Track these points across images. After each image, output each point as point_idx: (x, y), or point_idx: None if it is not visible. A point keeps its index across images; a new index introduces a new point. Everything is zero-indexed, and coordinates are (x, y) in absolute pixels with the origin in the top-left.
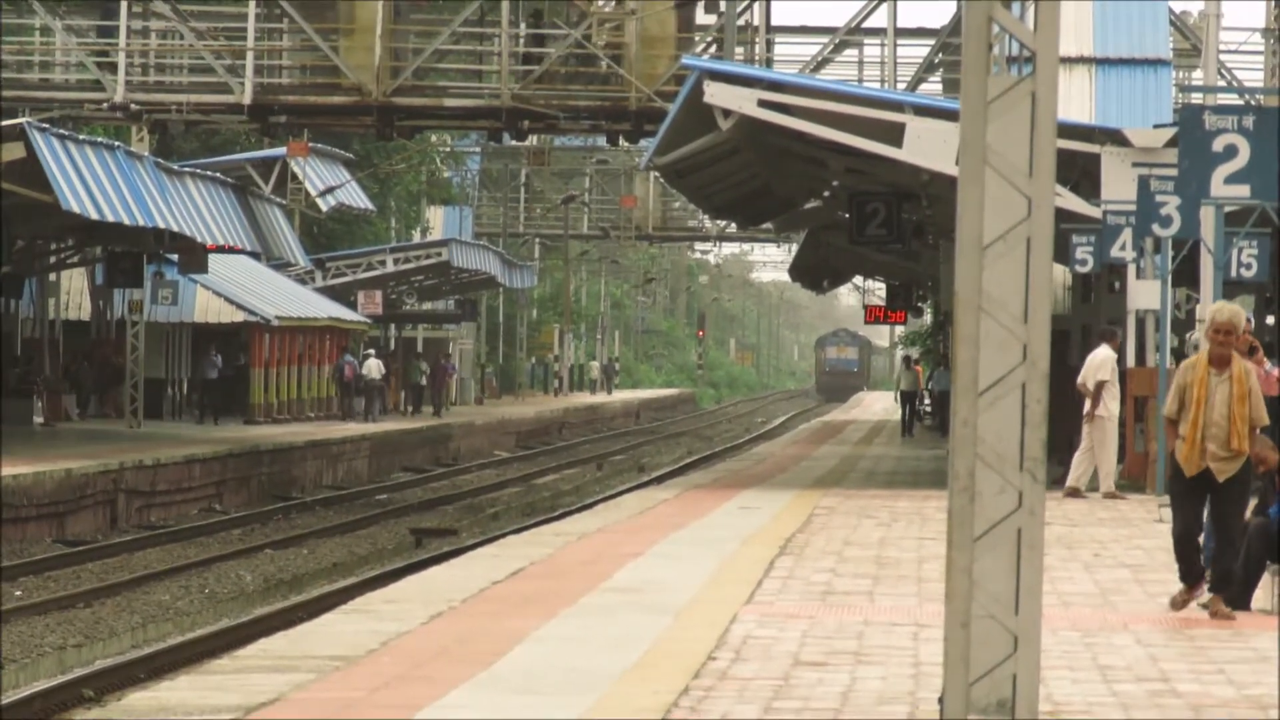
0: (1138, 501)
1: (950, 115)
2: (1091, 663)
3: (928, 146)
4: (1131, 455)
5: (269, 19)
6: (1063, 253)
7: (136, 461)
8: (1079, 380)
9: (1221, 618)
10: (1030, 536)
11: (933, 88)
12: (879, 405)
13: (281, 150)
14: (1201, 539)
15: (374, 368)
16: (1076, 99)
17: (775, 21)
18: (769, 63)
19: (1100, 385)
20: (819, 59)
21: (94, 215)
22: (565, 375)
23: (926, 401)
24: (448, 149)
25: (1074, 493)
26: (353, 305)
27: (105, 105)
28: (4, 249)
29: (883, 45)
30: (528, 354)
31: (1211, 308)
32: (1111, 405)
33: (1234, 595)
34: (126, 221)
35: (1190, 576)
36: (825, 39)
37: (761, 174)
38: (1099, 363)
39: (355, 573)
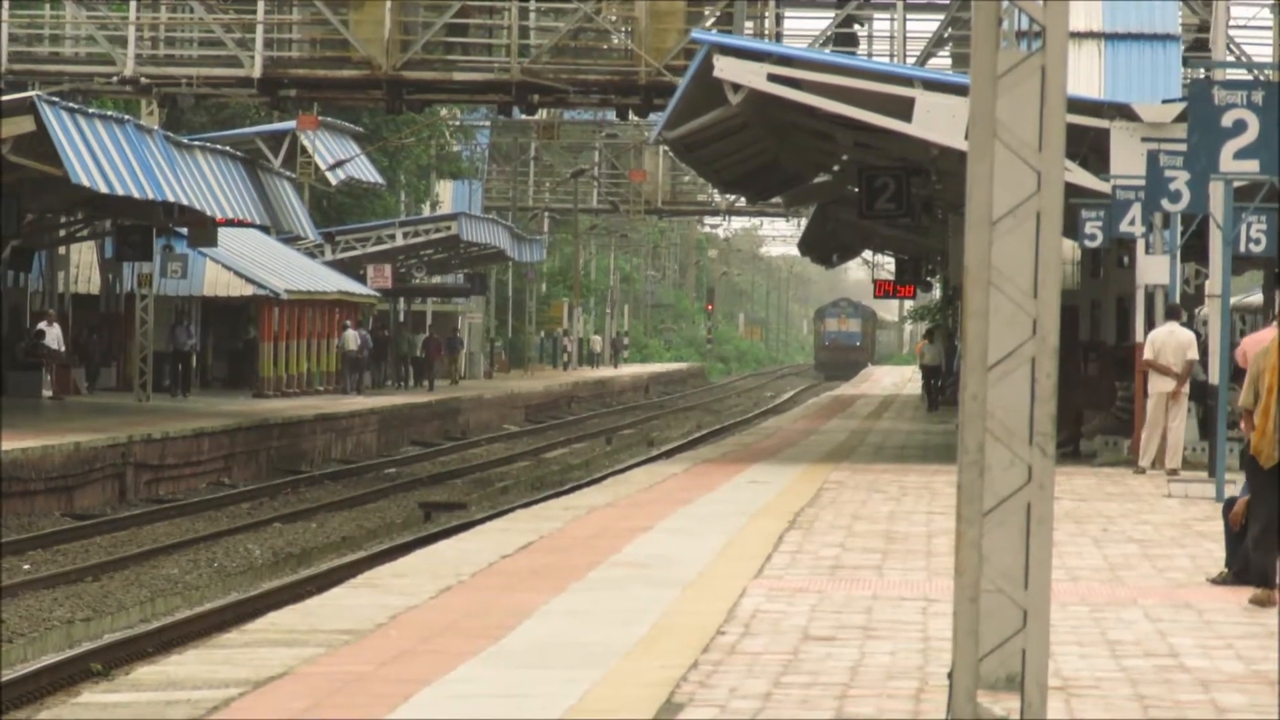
0: (1147, 477)
1: (960, 90)
2: (1100, 637)
3: (937, 121)
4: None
5: None
6: (1072, 228)
7: (145, 435)
8: (1147, 357)
9: None
10: (1039, 511)
11: (942, 62)
12: (887, 379)
13: (291, 124)
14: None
15: (351, 339)
16: (1085, 74)
17: None
18: (778, 37)
19: (1190, 364)
20: (828, 33)
21: (103, 189)
22: (574, 349)
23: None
24: (457, 123)
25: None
26: (362, 279)
27: (115, 79)
28: (13, 222)
29: (892, 20)
30: (537, 328)
31: None
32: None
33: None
34: (136, 195)
35: (1267, 578)
36: (835, 13)
37: (771, 148)
38: (1185, 341)
39: (364, 547)
